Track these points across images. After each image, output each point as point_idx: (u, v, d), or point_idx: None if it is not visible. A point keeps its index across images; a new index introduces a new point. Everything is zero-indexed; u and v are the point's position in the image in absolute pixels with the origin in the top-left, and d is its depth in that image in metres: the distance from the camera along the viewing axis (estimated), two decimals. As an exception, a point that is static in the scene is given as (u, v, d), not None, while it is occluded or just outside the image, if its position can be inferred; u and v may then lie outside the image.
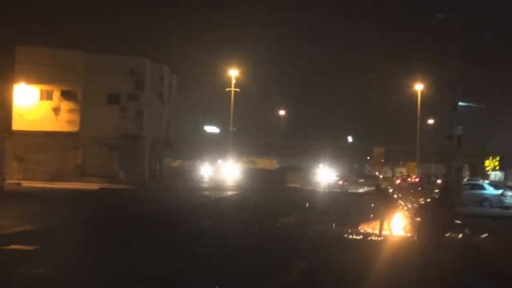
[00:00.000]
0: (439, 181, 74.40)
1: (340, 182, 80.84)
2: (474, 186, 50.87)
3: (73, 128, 60.92)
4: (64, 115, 61.08)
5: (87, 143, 61.02)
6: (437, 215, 23.05)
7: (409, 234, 24.24)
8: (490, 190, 47.83)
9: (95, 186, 49.88)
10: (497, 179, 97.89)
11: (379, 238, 23.04)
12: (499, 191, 47.31)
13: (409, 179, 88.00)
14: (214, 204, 39.41)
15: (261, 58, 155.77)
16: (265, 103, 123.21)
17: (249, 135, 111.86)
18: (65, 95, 60.88)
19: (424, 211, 24.23)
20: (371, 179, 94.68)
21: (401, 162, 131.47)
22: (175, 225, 24.10)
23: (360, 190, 65.54)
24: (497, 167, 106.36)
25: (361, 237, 23.01)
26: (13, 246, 15.99)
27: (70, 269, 12.91)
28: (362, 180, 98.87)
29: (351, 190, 67.77)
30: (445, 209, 24.06)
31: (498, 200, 46.05)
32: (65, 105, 61.07)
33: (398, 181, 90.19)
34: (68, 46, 62.19)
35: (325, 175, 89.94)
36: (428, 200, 28.09)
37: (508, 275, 15.83)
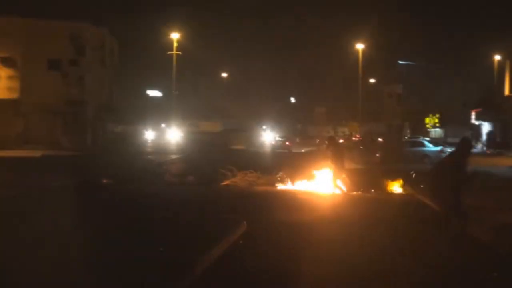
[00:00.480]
0: (380, 139, 75.25)
1: (287, 143, 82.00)
2: (414, 143, 51.65)
3: (14, 95, 60.23)
4: (4, 82, 60.35)
5: (29, 110, 60.37)
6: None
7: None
8: (430, 147, 48.61)
9: (37, 153, 49.36)
10: (437, 136, 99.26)
11: (316, 195, 23.33)
12: (439, 148, 48.08)
13: (353, 138, 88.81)
14: (157, 167, 39.32)
15: (204, 20, 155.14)
16: (208, 66, 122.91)
17: (192, 98, 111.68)
18: (4, 61, 60.15)
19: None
20: (313, 139, 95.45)
21: (343, 122, 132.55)
22: (119, 190, 24.02)
23: (303, 150, 65.89)
24: (437, 124, 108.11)
25: (304, 194, 23.23)
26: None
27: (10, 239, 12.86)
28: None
29: (295, 150, 68.16)
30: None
31: (437, 156, 46.72)
32: (5, 72, 60.32)
33: (341, 141, 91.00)
34: (4, 12, 61.18)
35: (269, 136, 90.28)
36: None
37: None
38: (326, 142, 29.56)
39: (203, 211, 17.46)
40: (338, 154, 24.40)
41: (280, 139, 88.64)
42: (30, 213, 15.96)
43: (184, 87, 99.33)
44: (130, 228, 14.26)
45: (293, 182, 26.98)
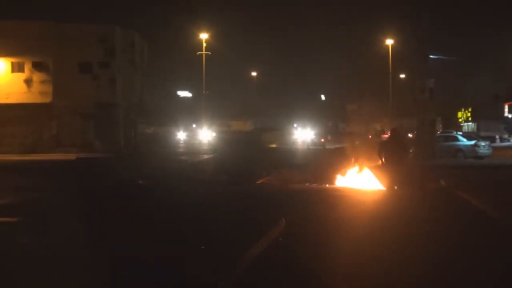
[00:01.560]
0: (410, 135, 74.87)
1: (322, 140, 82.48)
2: (448, 138, 51.38)
3: (46, 99, 60.64)
4: (36, 86, 60.80)
5: (61, 113, 60.78)
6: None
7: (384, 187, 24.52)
8: (463, 141, 48.34)
9: (71, 156, 49.75)
10: (470, 130, 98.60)
11: (356, 192, 23.28)
12: (472, 142, 47.82)
13: (384, 135, 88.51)
14: (191, 167, 39.50)
15: (234, 20, 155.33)
16: (238, 65, 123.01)
17: (222, 98, 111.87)
18: (37, 66, 60.59)
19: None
20: (346, 136, 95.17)
21: (375, 118, 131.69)
22: (155, 190, 24.15)
23: (337, 146, 65.88)
24: (470, 119, 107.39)
25: (339, 191, 23.21)
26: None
27: (53, 239, 12.98)
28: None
29: (328, 147, 68.21)
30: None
31: (471, 150, 46.57)
32: (37, 77, 60.77)
33: (369, 136, 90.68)
34: (37, 17, 61.83)
35: (301, 133, 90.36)
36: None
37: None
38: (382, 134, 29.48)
39: (240, 210, 17.51)
40: (397, 148, 24.11)
41: (314, 136, 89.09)
42: (74, 214, 16.11)
43: (214, 87, 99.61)
44: (170, 227, 14.36)
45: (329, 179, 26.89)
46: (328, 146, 71.14)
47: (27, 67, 60.79)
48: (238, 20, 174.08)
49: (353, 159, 27.36)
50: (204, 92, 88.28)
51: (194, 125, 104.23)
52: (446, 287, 9.94)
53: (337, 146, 60.67)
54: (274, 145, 65.19)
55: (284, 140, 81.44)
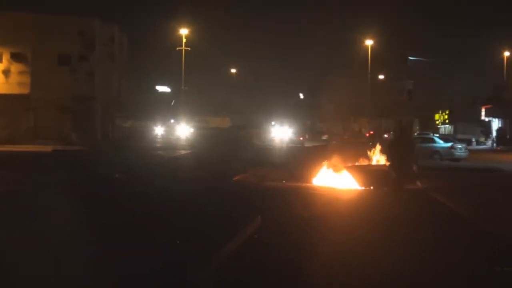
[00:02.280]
0: (386, 135, 75.45)
1: (301, 138, 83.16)
2: (425, 139, 51.63)
3: (24, 90, 60.39)
4: (14, 77, 60.55)
5: (38, 105, 60.54)
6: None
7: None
8: (440, 143, 48.61)
9: (48, 148, 49.51)
10: (447, 132, 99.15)
11: (331, 191, 23.39)
12: (449, 144, 48.11)
13: (367, 134, 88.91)
14: (168, 163, 39.44)
15: (214, 16, 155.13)
16: (218, 62, 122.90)
17: (201, 94, 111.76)
18: (15, 57, 60.35)
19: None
20: (323, 135, 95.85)
21: (352, 118, 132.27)
22: (131, 185, 24.13)
23: (314, 144, 66.10)
24: (447, 121, 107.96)
25: (316, 190, 23.30)
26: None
27: (28, 231, 12.97)
28: (324, 136, 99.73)
29: (307, 145, 68.43)
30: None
31: (448, 152, 46.86)
32: (15, 67, 60.53)
33: (345, 137, 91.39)
34: (17, 7, 61.52)
35: (279, 131, 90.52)
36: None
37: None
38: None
39: (216, 206, 17.53)
40: (405, 147, 24.09)
41: (294, 134, 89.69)
42: (49, 207, 16.09)
43: (193, 83, 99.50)
44: (145, 222, 14.37)
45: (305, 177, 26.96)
46: (306, 145, 71.41)
47: (5, 57, 60.53)
48: (219, 17, 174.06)
49: (329, 158, 27.47)
50: (182, 87, 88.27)
51: (172, 121, 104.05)
52: (410, 280, 10.08)
53: (314, 144, 60.87)
54: (251, 143, 65.09)
55: (261, 137, 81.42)
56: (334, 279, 10.20)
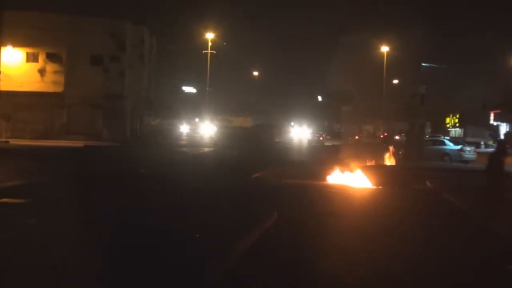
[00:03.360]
0: (397, 137, 75.25)
1: (321, 138, 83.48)
2: (435, 142, 51.38)
3: (58, 89, 60.68)
4: (49, 76, 60.85)
5: (72, 102, 60.89)
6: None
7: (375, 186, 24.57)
8: (450, 146, 48.32)
9: (79, 143, 49.78)
10: (457, 135, 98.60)
11: (346, 189, 23.30)
12: (459, 147, 47.82)
13: (381, 136, 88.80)
14: (192, 160, 39.51)
15: (238, 20, 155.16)
16: (241, 64, 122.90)
17: (225, 94, 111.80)
18: (50, 57, 60.64)
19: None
20: (340, 135, 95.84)
21: (367, 120, 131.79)
22: (156, 180, 24.18)
23: (333, 144, 66.04)
24: (457, 124, 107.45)
25: (331, 188, 23.22)
26: (4, 200, 16.01)
27: (59, 220, 13.02)
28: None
29: (326, 144, 68.52)
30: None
31: (457, 155, 46.58)
32: (51, 67, 60.82)
33: (356, 137, 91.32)
34: (53, 9, 61.77)
35: (298, 131, 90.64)
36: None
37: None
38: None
39: (236, 202, 17.52)
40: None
41: (315, 134, 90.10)
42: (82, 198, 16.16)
43: (217, 84, 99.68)
44: (167, 215, 14.38)
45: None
46: (326, 143, 71.65)
47: (41, 57, 60.84)
48: (245, 20, 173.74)
49: (345, 158, 27.41)
50: (207, 88, 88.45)
51: (197, 120, 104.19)
52: (420, 275, 10.00)
53: (333, 144, 60.74)
54: (271, 142, 65.11)
55: (281, 137, 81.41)
56: (344, 273, 10.16)
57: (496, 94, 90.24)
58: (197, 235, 11.81)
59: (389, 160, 28.37)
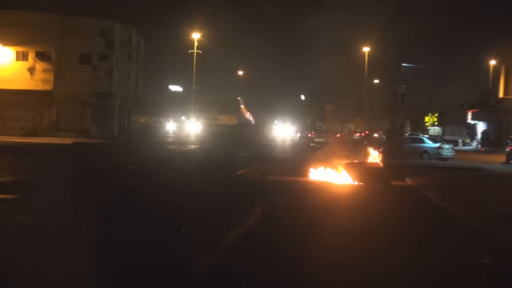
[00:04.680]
0: (375, 135, 75.70)
1: (309, 135, 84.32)
2: (415, 140, 51.54)
3: (48, 87, 60.52)
4: (39, 74, 60.68)
5: (61, 100, 60.84)
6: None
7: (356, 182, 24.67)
8: (429, 144, 48.50)
9: (68, 140, 49.69)
10: (435, 133, 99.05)
11: (327, 185, 23.38)
12: (437, 145, 48.00)
13: (357, 134, 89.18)
14: (179, 156, 39.50)
15: (224, 21, 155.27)
16: (227, 63, 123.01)
17: (210, 93, 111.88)
18: (40, 55, 60.49)
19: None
20: (323, 133, 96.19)
21: (349, 118, 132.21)
22: (144, 176, 24.18)
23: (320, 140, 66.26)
24: (436, 123, 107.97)
25: (315, 184, 23.29)
26: (-4, 195, 15.94)
27: (49, 215, 13.01)
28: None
29: (316, 140, 68.77)
30: None
31: (436, 152, 46.76)
32: (40, 65, 60.64)
33: (338, 135, 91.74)
34: (42, 8, 61.73)
35: (281, 129, 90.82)
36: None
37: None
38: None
39: (221, 197, 17.55)
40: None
41: (304, 132, 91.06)
42: (70, 195, 16.13)
43: (203, 82, 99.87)
44: (153, 210, 14.39)
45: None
46: (316, 140, 72.23)
47: (31, 56, 60.68)
48: (229, 21, 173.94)
49: (327, 155, 27.50)
50: (194, 87, 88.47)
51: (183, 118, 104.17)
52: (397, 265, 10.07)
53: (321, 140, 60.91)
54: (256, 139, 65.22)
55: (265, 134, 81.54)
56: (328, 266, 10.21)
57: (473, 94, 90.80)
58: (183, 230, 11.81)
59: (370, 158, 28.44)
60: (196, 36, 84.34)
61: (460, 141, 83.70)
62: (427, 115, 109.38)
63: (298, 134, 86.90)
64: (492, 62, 79.54)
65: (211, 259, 9.92)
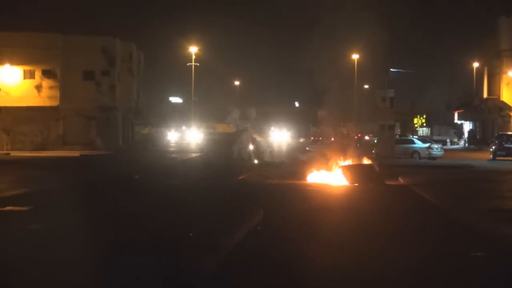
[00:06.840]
0: (366, 137, 75.76)
1: (311, 138, 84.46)
2: (405, 141, 51.67)
3: (54, 103, 60.56)
4: (45, 91, 60.72)
5: (67, 115, 60.94)
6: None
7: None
8: (419, 144, 48.57)
9: (75, 153, 49.74)
10: (424, 134, 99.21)
11: (324, 187, 23.46)
12: (427, 145, 48.09)
13: (356, 137, 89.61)
14: (181, 164, 39.53)
15: (220, 33, 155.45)
16: (224, 73, 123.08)
17: (209, 103, 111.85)
18: (46, 73, 60.51)
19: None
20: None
21: (341, 123, 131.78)
22: (149, 183, 24.23)
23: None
24: (424, 124, 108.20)
25: (312, 187, 23.37)
26: (9, 207, 15.98)
27: (62, 225, 13.05)
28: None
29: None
30: None
31: (426, 152, 46.81)
32: (46, 83, 60.68)
33: (331, 139, 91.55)
34: (46, 29, 61.86)
35: (277, 135, 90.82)
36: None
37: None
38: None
39: (224, 201, 17.59)
40: None
41: (295, 137, 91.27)
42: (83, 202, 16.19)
43: (202, 93, 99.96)
44: (161, 215, 14.43)
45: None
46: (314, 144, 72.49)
47: (37, 74, 60.70)
48: (225, 32, 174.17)
49: (321, 158, 27.63)
50: (193, 98, 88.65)
51: (184, 127, 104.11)
52: (390, 260, 10.16)
53: (311, 146, 60.90)
54: (253, 145, 65.25)
55: (262, 140, 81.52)
56: (326, 259, 10.29)
57: (458, 95, 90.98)
58: (191, 235, 11.87)
59: (363, 159, 28.54)
60: (193, 49, 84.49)
61: (448, 140, 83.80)
62: (416, 117, 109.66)
63: (302, 139, 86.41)
64: (475, 65, 79.75)
65: (215, 260, 9.99)
